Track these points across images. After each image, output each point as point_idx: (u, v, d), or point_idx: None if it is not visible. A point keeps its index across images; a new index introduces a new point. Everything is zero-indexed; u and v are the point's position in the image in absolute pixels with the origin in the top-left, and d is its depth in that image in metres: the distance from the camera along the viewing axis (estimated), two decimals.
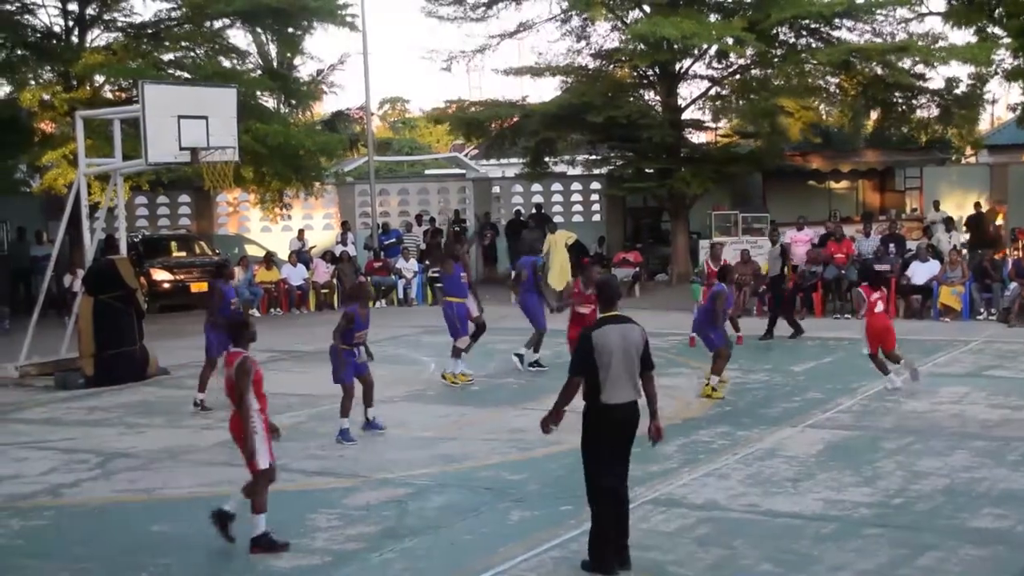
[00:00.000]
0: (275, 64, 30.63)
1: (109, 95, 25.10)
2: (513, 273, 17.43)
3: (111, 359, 16.08)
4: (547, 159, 30.31)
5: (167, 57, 26.18)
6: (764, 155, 28.47)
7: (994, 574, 7.52)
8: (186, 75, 25.09)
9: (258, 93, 26.26)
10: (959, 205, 28.48)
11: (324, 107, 38.63)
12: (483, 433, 12.06)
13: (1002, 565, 7.63)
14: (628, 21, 27.81)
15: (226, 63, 26.36)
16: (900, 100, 28.28)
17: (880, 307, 14.46)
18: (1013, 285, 20.15)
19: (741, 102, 28.53)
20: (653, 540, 8.10)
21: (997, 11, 26.54)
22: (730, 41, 24.98)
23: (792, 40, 27.62)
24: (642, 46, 26.29)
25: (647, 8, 27.00)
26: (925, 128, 29.56)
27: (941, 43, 26.74)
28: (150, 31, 26.09)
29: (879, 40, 26.83)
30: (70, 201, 17.46)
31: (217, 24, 26.41)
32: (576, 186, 32.96)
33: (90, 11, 25.46)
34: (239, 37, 32.35)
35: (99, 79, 24.84)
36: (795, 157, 30.11)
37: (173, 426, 13.17)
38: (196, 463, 11.22)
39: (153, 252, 26.43)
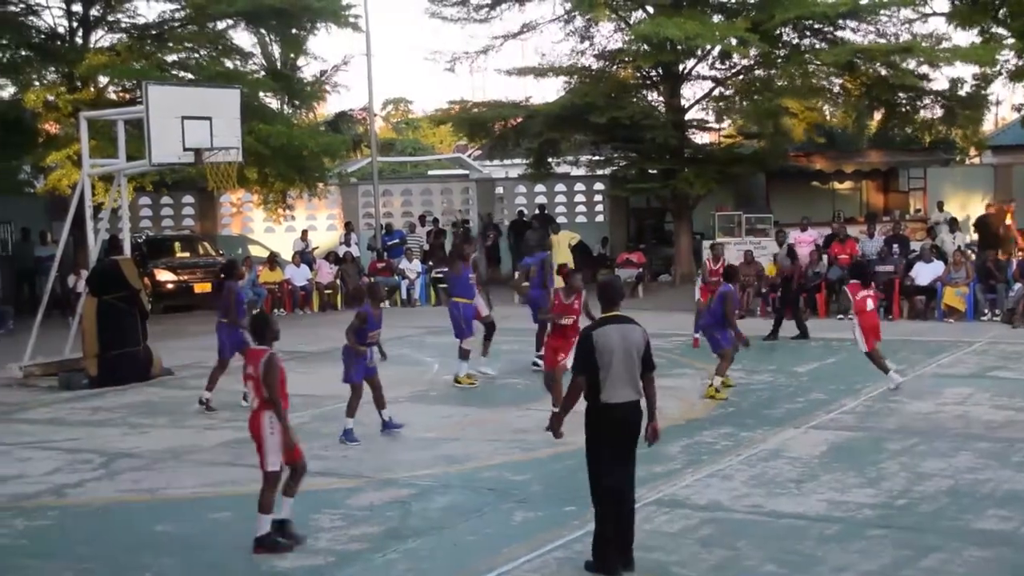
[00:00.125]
0: (278, 65, 30.63)
1: (113, 96, 25.14)
2: (517, 274, 17.42)
3: (115, 359, 16.10)
4: (550, 160, 30.32)
5: (171, 58, 26.24)
6: (767, 156, 28.45)
7: None
8: (189, 76, 25.13)
9: (261, 94, 26.29)
10: (963, 206, 28.47)
11: (328, 108, 38.66)
12: (486, 434, 12.06)
13: (1006, 567, 7.61)
14: (631, 22, 27.80)
15: (229, 64, 26.39)
16: (904, 101, 28.25)
17: (870, 305, 14.44)
18: (1018, 286, 20.11)
19: (745, 103, 28.51)
20: (656, 541, 8.09)
21: (1001, 11, 26.53)
22: (733, 42, 24.96)
23: (796, 41, 27.60)
24: (645, 47, 26.27)
25: (650, 9, 26.99)
26: (929, 129, 29.55)
27: (945, 44, 26.73)
28: (154, 32, 26.13)
29: (883, 41, 26.79)
30: (74, 202, 17.48)
31: (220, 25, 26.45)
32: (579, 187, 32.99)
33: (94, 12, 25.52)
34: (243, 38, 32.53)
35: (103, 80, 24.89)
36: (799, 158, 30.08)
37: (177, 426, 13.17)
38: (199, 463, 11.22)
39: (157, 253, 26.50)
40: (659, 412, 11.79)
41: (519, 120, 29.47)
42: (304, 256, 26.70)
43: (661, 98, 28.93)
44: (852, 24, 27.08)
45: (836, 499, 9.16)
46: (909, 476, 9.82)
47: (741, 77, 28.71)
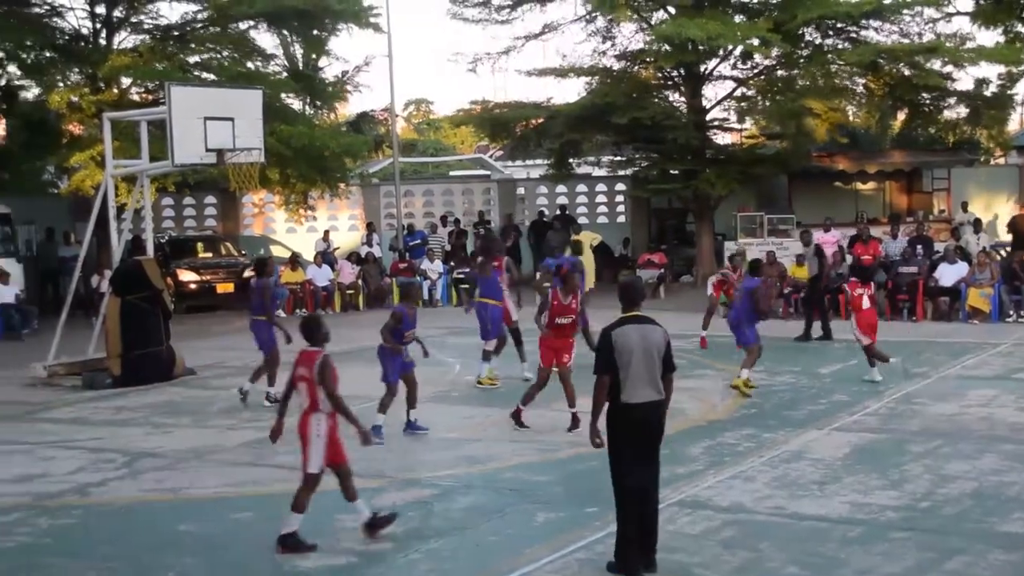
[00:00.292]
0: (300, 65, 30.74)
1: (136, 97, 25.29)
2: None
3: (138, 359, 16.16)
4: (572, 160, 30.31)
5: (193, 59, 26.36)
6: (790, 156, 28.35)
7: None
8: (211, 77, 25.23)
9: (283, 95, 26.37)
10: (988, 206, 28.28)
11: (349, 108, 38.79)
12: (508, 434, 12.05)
13: None
14: (653, 22, 27.75)
15: (250, 65, 26.48)
16: (928, 101, 28.08)
17: (867, 303, 14.74)
18: None
19: (767, 103, 28.41)
20: (679, 542, 8.07)
21: None
22: (755, 42, 24.88)
23: (818, 40, 27.48)
24: (667, 47, 26.23)
25: (672, 9, 26.93)
26: (953, 129, 29.36)
27: (969, 44, 26.55)
28: (176, 33, 26.26)
29: (906, 40, 26.64)
30: (97, 202, 17.56)
31: (242, 26, 26.54)
32: (601, 187, 32.96)
33: (117, 13, 25.67)
34: (265, 39, 32.65)
35: (126, 81, 25.04)
36: (821, 158, 29.94)
37: (199, 426, 13.22)
38: (222, 463, 11.26)
39: (179, 253, 26.61)
40: (681, 413, 11.77)
41: (540, 121, 29.47)
42: (326, 256, 26.76)
43: (683, 98, 28.86)
44: (875, 24, 26.93)
45: (859, 501, 9.11)
46: (933, 478, 9.76)
47: (763, 77, 28.60)
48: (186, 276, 25.86)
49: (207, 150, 16.11)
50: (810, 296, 19.83)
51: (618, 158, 30.82)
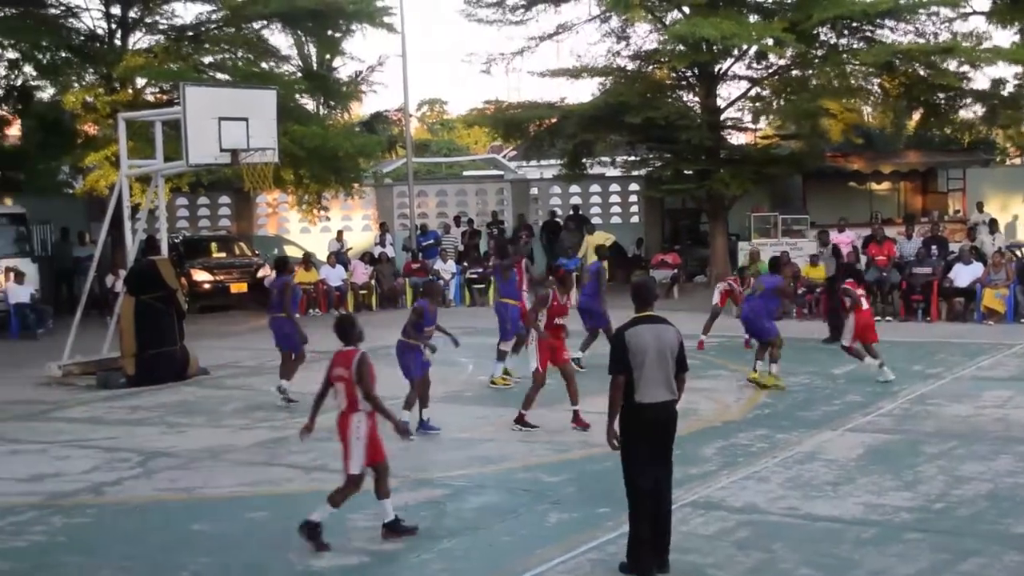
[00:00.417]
0: (314, 66, 30.79)
1: (150, 97, 25.36)
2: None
3: (152, 359, 16.22)
4: (585, 160, 30.24)
5: (207, 60, 26.42)
6: (804, 156, 28.26)
7: None
8: (226, 77, 25.29)
9: (297, 95, 26.41)
10: (1004, 207, 28.13)
11: (363, 109, 38.83)
12: (520, 434, 12.04)
13: None
14: (667, 22, 27.69)
15: (264, 65, 26.53)
16: (943, 100, 27.95)
17: (865, 303, 15.05)
18: None
19: (782, 103, 28.32)
20: (692, 543, 8.06)
21: None
22: (770, 42, 24.79)
23: (833, 40, 27.37)
24: (681, 47, 26.15)
25: (686, 9, 26.87)
26: (969, 129, 29.20)
27: (986, 43, 26.42)
28: (190, 34, 26.32)
29: (921, 40, 26.51)
30: (112, 202, 17.64)
31: (256, 26, 26.60)
32: (614, 187, 32.93)
33: (132, 14, 25.75)
34: (279, 40, 32.68)
35: (140, 81, 25.12)
36: (836, 158, 29.83)
37: (213, 426, 13.26)
38: (236, 463, 11.28)
39: (193, 253, 26.68)
40: (694, 414, 11.77)
41: (554, 121, 29.42)
42: (339, 256, 26.79)
43: (697, 98, 28.78)
44: (891, 23, 26.81)
45: (873, 502, 9.08)
46: (947, 479, 9.73)
47: (777, 77, 28.51)
48: (200, 276, 25.93)
49: (221, 150, 16.16)
50: (830, 297, 19.75)
51: (632, 158, 30.75)
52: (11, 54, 25.65)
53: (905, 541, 8.07)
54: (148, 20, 26.29)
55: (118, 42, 25.54)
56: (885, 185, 32.34)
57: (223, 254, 27.30)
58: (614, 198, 32.88)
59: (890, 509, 8.88)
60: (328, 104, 29.77)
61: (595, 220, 30.61)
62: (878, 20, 26.28)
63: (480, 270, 26.51)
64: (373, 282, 26.43)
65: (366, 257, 27.36)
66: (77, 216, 27.17)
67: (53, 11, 25.46)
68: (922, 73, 26.39)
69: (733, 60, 27.79)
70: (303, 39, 29.64)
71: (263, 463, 11.20)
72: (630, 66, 29.09)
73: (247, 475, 10.74)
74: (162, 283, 16.53)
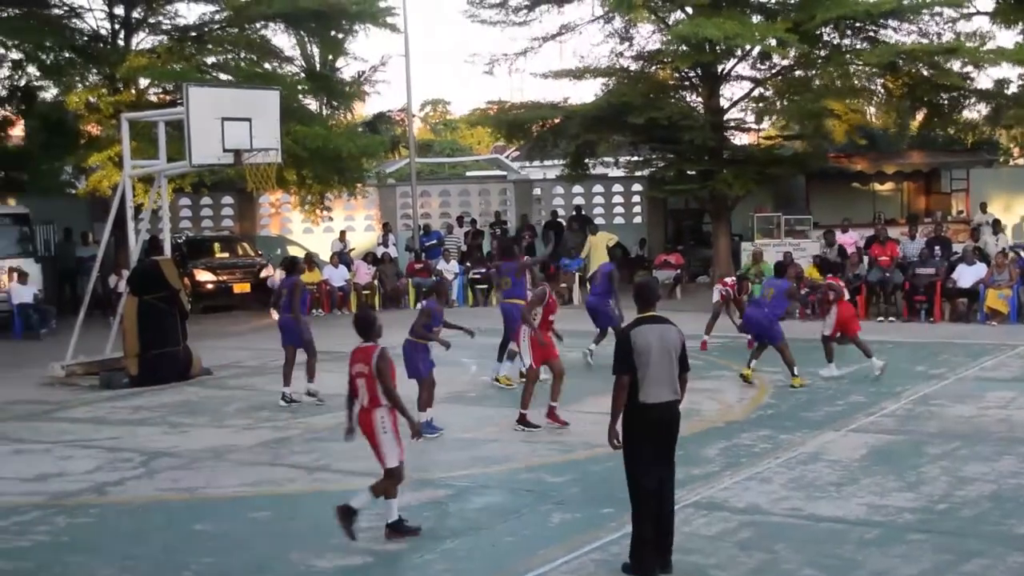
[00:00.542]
0: (317, 66, 30.77)
1: (153, 98, 25.37)
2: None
3: (155, 359, 16.23)
4: (588, 161, 30.24)
5: (210, 60, 26.42)
6: (808, 157, 28.26)
7: None
8: (228, 78, 25.31)
9: (300, 95, 26.41)
10: (1007, 207, 28.10)
11: (366, 109, 38.79)
12: (523, 435, 12.03)
13: None
14: (670, 22, 27.68)
15: (267, 66, 26.53)
16: (947, 101, 27.93)
17: (846, 295, 15.58)
18: None
19: (785, 103, 28.31)
20: (694, 544, 8.05)
21: None
22: (773, 42, 24.77)
23: (837, 41, 27.35)
24: (684, 47, 26.14)
25: (689, 9, 26.86)
26: (972, 129, 29.16)
27: (990, 44, 26.41)
28: (193, 34, 26.33)
29: (925, 40, 26.48)
30: (115, 203, 17.64)
31: (259, 27, 26.60)
32: (617, 188, 32.93)
33: (135, 15, 25.76)
34: (282, 40, 32.66)
35: (144, 82, 25.12)
36: (839, 159, 29.83)
37: (216, 426, 13.27)
38: (238, 463, 11.28)
39: (196, 253, 26.71)
40: (697, 414, 11.78)
41: (557, 121, 29.41)
42: (342, 257, 26.81)
43: (700, 99, 28.76)
44: (894, 23, 26.79)
45: (876, 503, 9.07)
46: (950, 480, 9.71)
47: (781, 78, 28.49)
48: (203, 276, 25.95)
49: (224, 150, 16.16)
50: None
51: (635, 158, 30.73)
52: (15, 54, 25.67)
53: (908, 542, 8.07)
54: (151, 20, 26.29)
55: (121, 42, 25.54)
56: (888, 186, 32.34)
57: (226, 254, 27.33)
58: (617, 198, 32.89)
59: (893, 510, 8.87)
60: (331, 104, 29.74)
61: (598, 220, 30.59)
62: (881, 20, 26.25)
63: (483, 270, 26.50)
64: (376, 282, 26.45)
65: (369, 257, 27.36)
66: (80, 216, 27.18)
67: (56, 12, 25.47)
68: (925, 73, 26.36)
69: (736, 60, 27.78)
70: (306, 39, 29.61)
71: (266, 463, 11.20)
72: (633, 66, 29.07)
73: (250, 475, 10.74)
74: (165, 283, 16.54)
